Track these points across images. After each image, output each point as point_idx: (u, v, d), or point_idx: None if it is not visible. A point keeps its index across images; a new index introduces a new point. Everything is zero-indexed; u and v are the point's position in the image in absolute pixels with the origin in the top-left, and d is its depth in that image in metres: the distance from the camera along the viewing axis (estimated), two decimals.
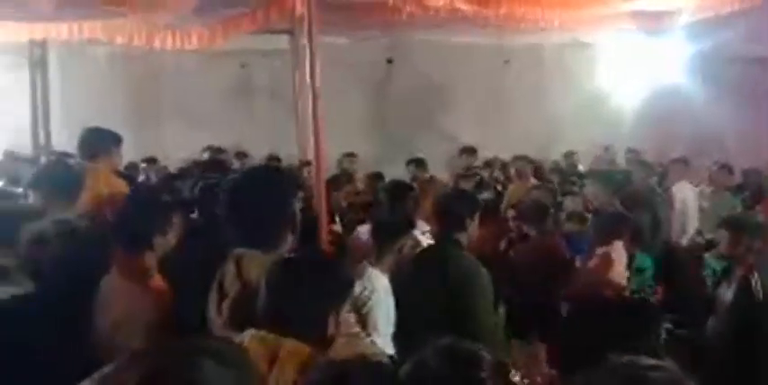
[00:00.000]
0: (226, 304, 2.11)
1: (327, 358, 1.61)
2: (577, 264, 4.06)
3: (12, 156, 6.20)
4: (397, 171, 6.35)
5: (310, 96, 4.11)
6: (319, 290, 1.77)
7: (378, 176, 6.07)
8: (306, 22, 4.12)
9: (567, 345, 1.92)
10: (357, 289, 2.71)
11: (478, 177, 6.15)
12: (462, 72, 8.61)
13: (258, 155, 7.48)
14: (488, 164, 7.18)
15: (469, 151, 7.23)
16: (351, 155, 7.13)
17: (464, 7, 4.98)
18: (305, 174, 5.90)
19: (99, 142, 3.35)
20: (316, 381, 1.39)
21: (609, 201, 4.61)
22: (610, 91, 8.83)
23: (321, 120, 4.07)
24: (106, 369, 0.95)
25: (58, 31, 6.07)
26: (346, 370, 1.34)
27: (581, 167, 7.41)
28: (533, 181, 6.24)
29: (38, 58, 6.79)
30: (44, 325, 2.01)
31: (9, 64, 7.36)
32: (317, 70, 4.14)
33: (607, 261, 3.72)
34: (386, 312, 2.89)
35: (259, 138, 7.90)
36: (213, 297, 2.19)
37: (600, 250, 3.79)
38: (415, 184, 4.74)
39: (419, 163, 6.42)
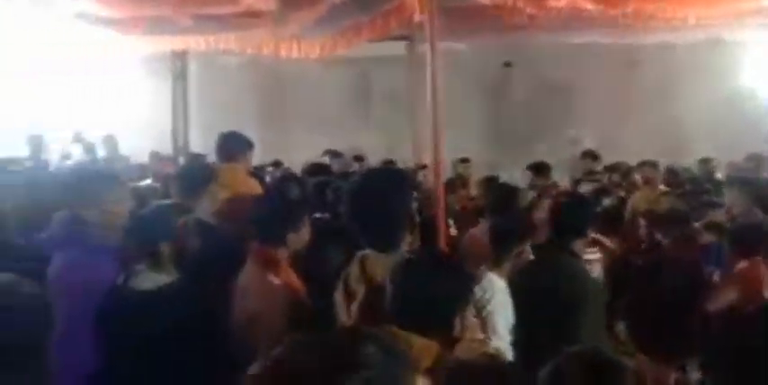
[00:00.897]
0: (354, 305, 2.20)
1: (458, 356, 1.64)
2: (715, 279, 3.78)
3: (156, 157, 6.82)
4: (515, 176, 6.26)
5: (429, 101, 4.18)
6: (444, 291, 1.81)
7: (492, 181, 6.02)
8: (427, 28, 4.17)
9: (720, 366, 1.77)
10: (477, 293, 2.72)
11: (599, 183, 5.92)
12: (585, 74, 8.32)
13: (374, 158, 7.67)
14: (610, 168, 6.87)
15: (591, 155, 6.98)
16: (465, 160, 7.13)
17: (588, 6, 4.78)
18: (420, 177, 6.00)
19: (235, 146, 3.61)
20: (449, 378, 1.41)
21: (750, 212, 4.26)
22: (749, 92, 8.16)
23: (441, 124, 4.12)
24: (274, 353, 1.01)
25: (197, 43, 6.59)
26: (479, 367, 1.36)
27: (719, 175, 6.89)
28: (662, 187, 5.91)
29: (178, 69, 7.38)
30: (189, 312, 2.20)
31: (153, 74, 8.09)
32: (436, 76, 4.21)
33: (752, 277, 3.42)
34: (505, 317, 2.88)
35: (375, 142, 8.11)
36: (339, 297, 2.28)
37: (740, 264, 3.50)
38: (533, 191, 4.65)
39: (539, 168, 6.24)
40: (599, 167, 6.87)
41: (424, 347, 1.68)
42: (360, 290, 2.22)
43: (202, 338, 2.18)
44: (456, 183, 5.93)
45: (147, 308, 2.20)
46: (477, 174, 6.76)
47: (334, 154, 7.66)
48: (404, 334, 1.72)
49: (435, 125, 4.16)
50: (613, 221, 4.30)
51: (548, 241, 3.29)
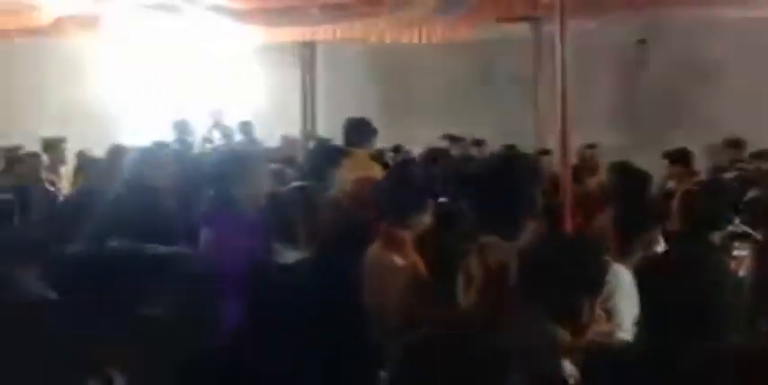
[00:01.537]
0: (473, 290, 2.22)
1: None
2: None
3: (287, 141, 7.20)
4: (649, 163, 5.90)
5: (557, 84, 4.05)
6: (574, 277, 1.77)
7: (621, 166, 5.72)
8: (556, 6, 4.02)
9: None
10: None
11: (742, 171, 5.42)
12: (731, 51, 7.61)
13: (495, 143, 7.56)
14: (759, 155, 6.25)
15: (735, 143, 6.39)
16: (592, 146, 6.83)
17: None
18: (543, 163, 5.84)
19: (360, 131, 3.75)
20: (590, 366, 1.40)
21: None
22: None
23: (569, 108, 3.99)
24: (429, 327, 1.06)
25: (324, 33, 6.83)
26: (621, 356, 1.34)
27: None
28: None
29: (307, 57, 7.70)
30: (324, 286, 2.34)
31: (282, 63, 8.49)
32: (566, 57, 4.06)
33: None
34: (630, 309, 2.77)
35: (496, 126, 7.98)
36: (460, 281, 2.30)
37: None
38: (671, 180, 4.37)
39: (678, 155, 5.79)
40: (744, 155, 6.27)
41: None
42: (478, 276, 2.23)
43: (337, 311, 2.30)
44: (582, 170, 5.70)
45: (288, 283, 2.35)
46: (605, 160, 6.45)
47: (454, 138, 7.64)
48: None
49: (563, 109, 4.03)
50: (761, 215, 3.94)
51: (681, 233, 3.10)
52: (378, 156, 5.99)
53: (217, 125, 8.37)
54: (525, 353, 1.08)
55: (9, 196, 4.47)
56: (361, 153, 3.65)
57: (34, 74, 8.75)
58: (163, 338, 1.89)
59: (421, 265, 2.57)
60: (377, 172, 3.59)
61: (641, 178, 4.03)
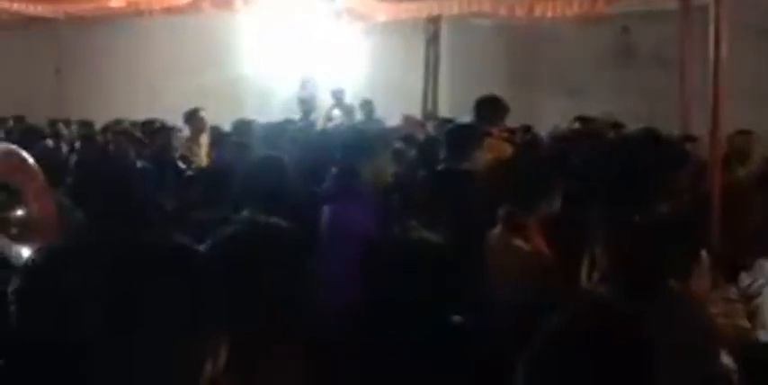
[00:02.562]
0: (596, 273, 2.10)
1: None
2: None
3: (409, 120, 7.13)
4: None
5: (710, 63, 3.67)
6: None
7: None
8: None
9: None
10: (745, 280, 2.58)
11: None
12: None
13: (633, 126, 7.04)
14: None
15: None
16: (745, 132, 6.14)
17: None
18: (688, 149, 5.33)
19: (493, 109, 3.60)
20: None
21: None
22: None
23: (723, 89, 3.61)
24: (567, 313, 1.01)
25: (450, 7, 6.63)
26: None
27: None
28: None
29: (431, 33, 7.55)
30: (452, 268, 2.26)
31: (407, 40, 8.39)
32: (721, 31, 3.67)
33: None
34: None
35: (635, 108, 7.42)
36: (586, 263, 2.19)
37: None
38: None
39: None
40: None
41: None
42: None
43: (461, 294, 2.22)
44: (732, 159, 5.14)
45: (421, 262, 2.29)
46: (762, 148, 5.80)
47: (586, 120, 7.20)
48: None
49: (715, 91, 3.68)
50: None
51: None
52: (508, 137, 5.78)
53: (338, 103, 8.48)
54: (681, 343, 1.00)
55: (147, 165, 4.80)
56: (493, 133, 3.50)
57: (172, 52, 9.29)
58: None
59: (545, 250, 2.44)
60: (507, 152, 3.43)
61: None
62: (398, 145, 4.21)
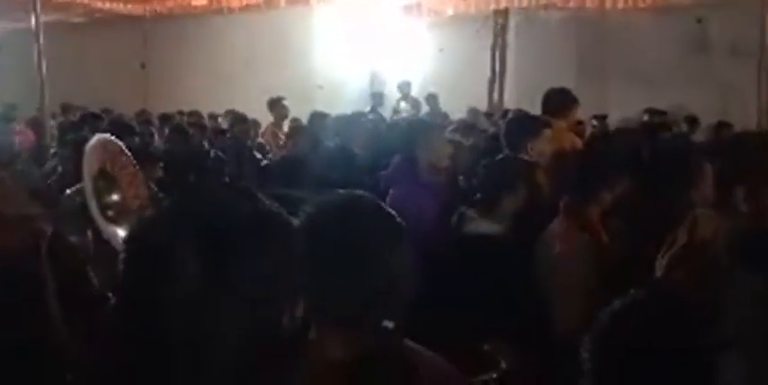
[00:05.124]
0: (665, 258, 2.11)
1: None
2: None
3: (475, 113, 7.20)
4: None
5: None
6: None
7: None
8: None
9: None
10: None
11: None
12: None
13: (708, 121, 6.84)
14: None
15: None
16: None
17: None
18: None
19: (561, 101, 3.63)
20: None
21: None
22: None
23: None
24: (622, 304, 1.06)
25: (519, 0, 6.65)
26: None
27: None
28: None
29: (499, 26, 7.56)
30: (515, 260, 2.37)
31: (473, 34, 8.42)
32: None
33: None
34: None
35: (710, 101, 7.19)
36: (663, 251, 2.21)
37: None
38: None
39: None
40: None
41: None
42: (679, 245, 2.11)
43: (518, 288, 2.31)
44: None
45: (480, 253, 2.40)
46: None
47: (656, 112, 7.06)
48: None
49: None
50: None
51: None
52: (579, 128, 5.76)
53: (405, 97, 8.62)
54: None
55: (222, 154, 5.10)
56: (560, 124, 3.54)
57: (249, 47, 9.65)
58: None
59: (604, 241, 2.46)
60: (576, 144, 3.46)
61: None
62: (458, 135, 4.31)
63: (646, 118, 7.00)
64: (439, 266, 2.45)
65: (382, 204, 1.29)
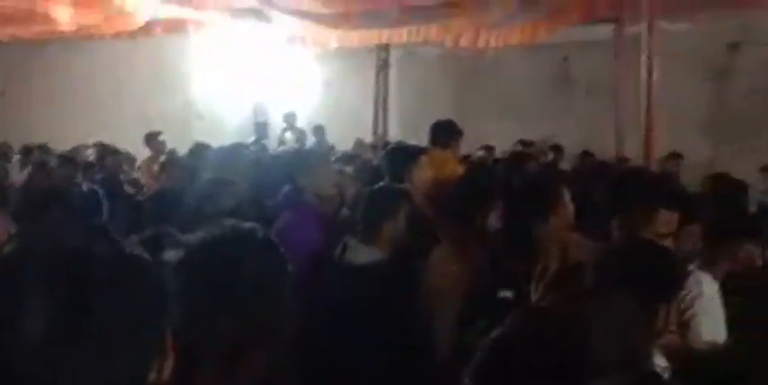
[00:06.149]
0: (542, 283, 2.18)
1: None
2: None
3: (361, 144, 7.27)
4: (739, 170, 5.58)
5: (642, 89, 3.93)
6: (645, 279, 1.71)
7: (717, 176, 5.43)
8: (644, 7, 3.89)
9: None
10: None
11: None
12: None
13: (571, 149, 7.36)
14: None
15: None
16: (676, 156, 6.50)
17: None
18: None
19: (448, 133, 3.75)
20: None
21: None
22: None
23: (654, 114, 3.86)
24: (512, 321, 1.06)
25: (399, 36, 6.84)
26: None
27: None
28: None
29: (382, 61, 7.75)
30: (395, 289, 2.34)
31: (359, 67, 8.59)
32: (653, 60, 3.94)
33: None
34: (712, 322, 2.61)
35: (573, 132, 7.77)
36: (536, 276, 2.28)
37: None
38: None
39: None
40: None
41: None
42: (551, 271, 2.19)
43: (400, 316, 2.29)
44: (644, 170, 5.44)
45: (361, 282, 2.36)
46: (689, 172, 6.14)
47: (527, 143, 7.50)
48: None
49: (648, 116, 3.92)
50: None
51: None
52: (465, 159, 5.95)
53: (291, 128, 8.57)
54: (616, 348, 1.07)
55: (96, 188, 4.75)
56: (443, 153, 3.65)
57: (121, 75, 9.20)
58: None
59: (480, 264, 2.52)
60: (459, 173, 3.57)
61: (737, 187, 3.83)
62: (345, 166, 4.33)
63: (518, 148, 7.39)
64: (325, 297, 2.39)
65: (264, 235, 1.22)
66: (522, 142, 7.50)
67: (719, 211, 3.48)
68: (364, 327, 2.25)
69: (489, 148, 7.28)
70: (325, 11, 6.37)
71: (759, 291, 2.76)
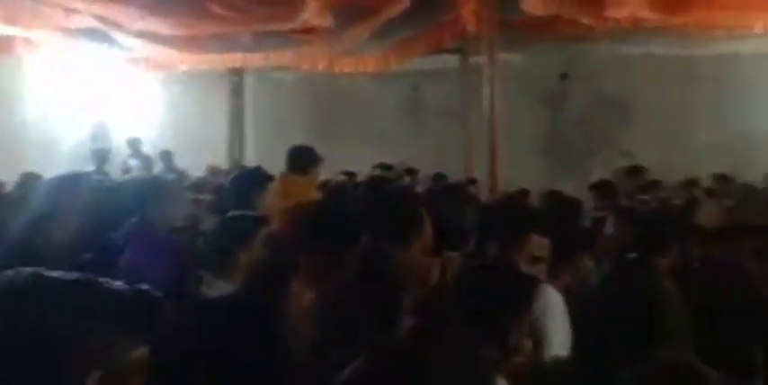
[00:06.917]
0: (410, 301, 2.20)
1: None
2: None
3: (214, 171, 6.99)
4: (572, 189, 6.13)
5: (485, 114, 4.18)
6: (500, 298, 1.78)
7: (553, 193, 5.90)
8: (484, 40, 4.17)
9: None
10: None
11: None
12: (644, 85, 8.11)
13: (425, 172, 7.66)
14: (653, 184, 6.64)
15: (636, 171, 6.96)
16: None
17: (649, 16, 4.64)
18: (472, 191, 5.94)
19: (306, 159, 3.68)
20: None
21: None
22: None
23: (497, 137, 4.12)
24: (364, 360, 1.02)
25: (253, 60, 6.75)
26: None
27: None
28: (728, 202, 5.70)
29: (235, 85, 7.58)
30: (246, 323, 2.22)
31: (210, 90, 8.33)
32: (494, 88, 4.20)
33: None
34: (560, 330, 2.80)
35: (426, 156, 8.09)
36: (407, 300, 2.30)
37: None
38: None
39: (603, 187, 6.05)
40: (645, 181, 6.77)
41: None
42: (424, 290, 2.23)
43: (257, 351, 2.18)
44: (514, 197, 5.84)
45: (213, 318, 2.22)
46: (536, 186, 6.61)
47: (385, 167, 7.68)
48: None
49: (492, 138, 4.17)
50: None
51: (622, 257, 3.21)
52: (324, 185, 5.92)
53: (135, 154, 8.06)
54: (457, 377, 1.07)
55: None
56: (301, 179, 3.57)
57: None
58: None
59: (340, 294, 2.49)
60: (316, 199, 3.51)
61: (573, 205, 4.18)
62: (200, 194, 4.14)
63: (378, 173, 7.54)
64: (177, 336, 2.23)
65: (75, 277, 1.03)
66: (382, 166, 7.68)
67: (562, 227, 3.78)
68: (221, 364, 2.12)
69: (351, 174, 7.34)
70: (173, 33, 6.12)
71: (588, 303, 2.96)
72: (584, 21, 4.91)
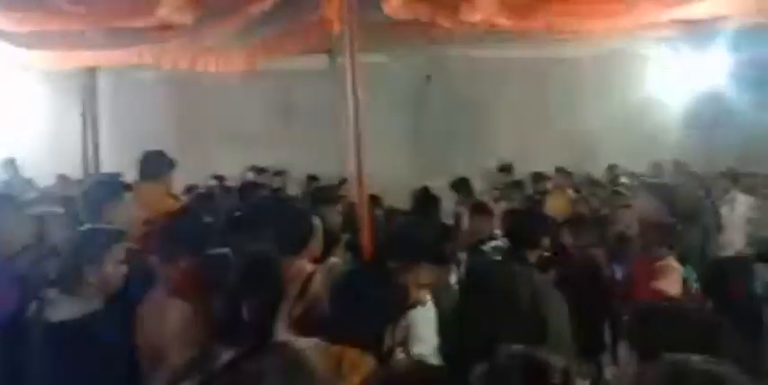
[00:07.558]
0: (288, 309, 2.18)
1: (387, 367, 1.64)
2: (618, 275, 4.04)
3: (64, 180, 6.45)
4: (437, 186, 6.37)
5: (351, 115, 4.18)
6: (379, 303, 1.80)
7: (420, 191, 6.09)
8: (346, 42, 4.18)
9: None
10: None
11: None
12: (500, 86, 8.60)
13: (298, 173, 7.61)
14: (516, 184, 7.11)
15: (505, 168, 7.46)
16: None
17: (503, 22, 4.90)
18: (343, 191, 5.98)
19: (157, 164, 3.50)
20: None
21: (658, 214, 4.54)
22: (652, 102, 8.69)
23: (363, 137, 4.14)
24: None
25: (108, 58, 6.30)
26: (406, 375, 1.37)
27: (624, 180, 7.32)
28: (571, 193, 6.19)
29: (88, 84, 7.05)
30: (112, 336, 2.10)
31: (60, 90, 7.70)
32: (358, 89, 4.21)
33: (666, 272, 3.63)
34: (429, 322, 2.88)
35: (299, 156, 8.04)
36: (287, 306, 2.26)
37: (658, 263, 3.69)
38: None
39: (460, 185, 6.32)
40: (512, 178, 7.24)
41: (355, 360, 1.66)
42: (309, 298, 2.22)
43: (122, 367, 2.07)
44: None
45: (67, 341, 2.07)
46: (403, 184, 6.79)
47: (259, 170, 7.55)
48: (335, 347, 1.70)
49: (357, 138, 4.18)
50: None
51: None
52: (190, 191, 5.67)
53: None
54: None
55: None
56: (154, 187, 3.38)
57: None
58: None
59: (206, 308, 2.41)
60: (172, 208, 3.34)
61: (432, 198, 4.43)
62: (52, 206, 3.80)
63: (251, 176, 7.39)
64: (23, 360, 2.05)
65: None
66: (255, 169, 7.51)
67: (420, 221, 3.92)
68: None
69: (220, 178, 7.12)
70: (16, 29, 5.56)
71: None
72: (443, 24, 5.09)
